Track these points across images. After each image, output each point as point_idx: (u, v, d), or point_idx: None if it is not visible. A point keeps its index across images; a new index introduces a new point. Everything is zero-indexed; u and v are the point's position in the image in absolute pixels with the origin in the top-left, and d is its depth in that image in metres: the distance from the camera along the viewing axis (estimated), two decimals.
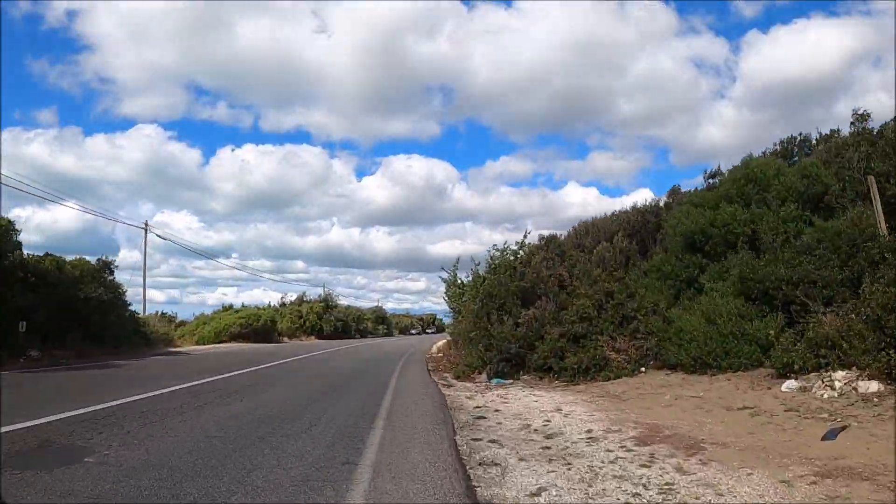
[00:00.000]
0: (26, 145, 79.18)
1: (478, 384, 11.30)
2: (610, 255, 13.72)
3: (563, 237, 17.45)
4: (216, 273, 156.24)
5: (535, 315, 12.13)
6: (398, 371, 14.16)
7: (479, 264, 20.50)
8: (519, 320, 12.40)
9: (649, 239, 14.86)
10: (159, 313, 39.86)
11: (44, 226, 75.36)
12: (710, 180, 15.63)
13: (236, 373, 12.62)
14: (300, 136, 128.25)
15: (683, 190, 17.10)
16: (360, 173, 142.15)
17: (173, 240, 49.51)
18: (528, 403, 8.17)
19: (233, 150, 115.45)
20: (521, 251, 17.73)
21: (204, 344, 32.53)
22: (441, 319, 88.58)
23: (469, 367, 12.34)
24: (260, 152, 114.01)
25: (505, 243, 19.36)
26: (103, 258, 20.25)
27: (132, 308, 24.23)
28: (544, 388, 10.22)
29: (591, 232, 15.96)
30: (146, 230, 34.17)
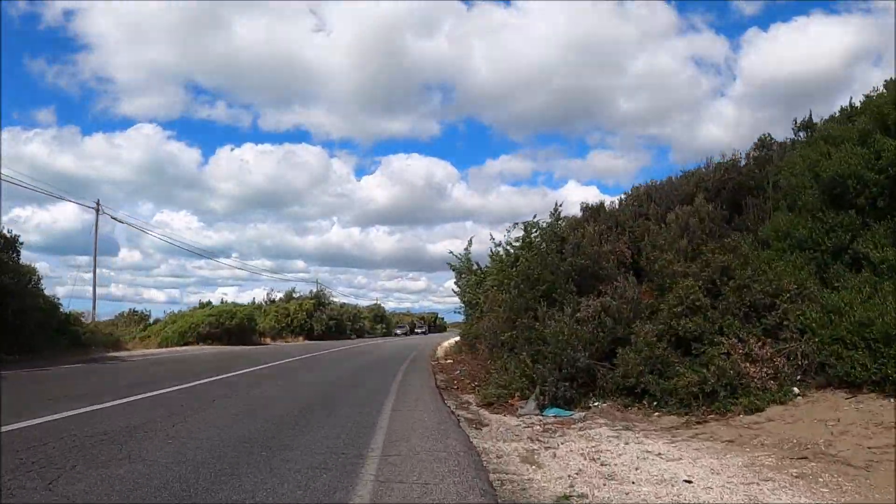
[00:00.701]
0: (25, 145, 76.58)
1: (523, 418, 7.17)
2: (695, 221, 9.65)
3: (612, 206, 13.34)
4: (216, 273, 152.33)
5: (606, 306, 8.03)
6: (394, 393, 9.70)
7: (499, 245, 16.17)
8: (578, 314, 8.31)
9: (735, 201, 10.76)
10: (130, 310, 35.44)
11: (43, 226, 72.24)
12: (802, 132, 11.55)
13: (129, 399, 7.80)
14: (299, 136, 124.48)
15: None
16: (360, 172, 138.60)
17: (129, 223, 44.99)
18: (670, 483, 4.04)
19: (232, 149, 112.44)
20: (558, 223, 13.57)
21: (166, 346, 27.68)
22: (442, 318, 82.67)
23: (506, 387, 8.18)
24: (259, 152, 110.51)
25: (534, 216, 15.12)
26: (3, 231, 14.98)
27: (59, 301, 19.16)
28: (650, 427, 6.04)
29: (655, 196, 11.84)
30: (98, 210, 29.72)
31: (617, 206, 12.96)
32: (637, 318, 7.62)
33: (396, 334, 60.42)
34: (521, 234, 14.94)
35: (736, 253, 7.50)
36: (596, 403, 7.23)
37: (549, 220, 14.20)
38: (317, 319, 43.05)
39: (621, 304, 7.92)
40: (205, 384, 10.39)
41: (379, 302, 76.06)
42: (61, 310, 19.08)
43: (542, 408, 7.42)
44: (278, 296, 46.23)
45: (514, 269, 13.28)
